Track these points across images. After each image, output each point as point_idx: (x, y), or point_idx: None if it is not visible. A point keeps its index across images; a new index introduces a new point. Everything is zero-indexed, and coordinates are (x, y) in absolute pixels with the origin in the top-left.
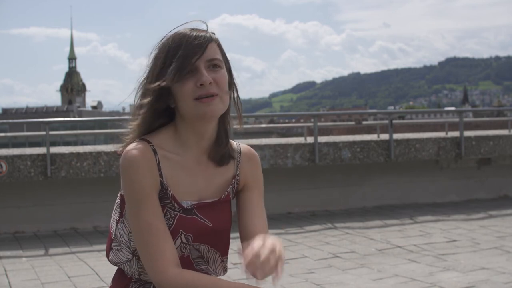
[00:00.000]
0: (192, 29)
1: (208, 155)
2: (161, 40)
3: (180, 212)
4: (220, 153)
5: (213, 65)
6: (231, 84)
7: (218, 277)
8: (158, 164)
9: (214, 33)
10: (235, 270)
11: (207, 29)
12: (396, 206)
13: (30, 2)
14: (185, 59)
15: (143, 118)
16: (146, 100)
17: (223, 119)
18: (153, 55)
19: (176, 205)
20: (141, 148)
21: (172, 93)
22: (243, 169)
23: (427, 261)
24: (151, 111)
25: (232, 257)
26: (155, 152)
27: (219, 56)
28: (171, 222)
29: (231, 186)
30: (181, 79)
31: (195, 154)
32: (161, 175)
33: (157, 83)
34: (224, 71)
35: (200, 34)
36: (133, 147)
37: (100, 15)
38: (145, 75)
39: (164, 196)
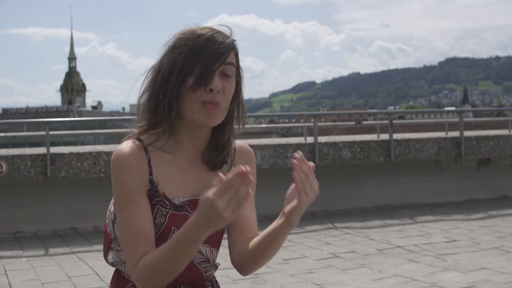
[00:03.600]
0: (217, 32)
1: (202, 157)
2: (182, 33)
3: (172, 209)
4: (215, 160)
5: (225, 73)
6: (237, 95)
7: None
8: (149, 162)
9: (235, 40)
10: (235, 270)
11: (231, 34)
12: (396, 206)
13: (28, 2)
14: (207, 67)
15: (156, 123)
16: (167, 107)
17: (223, 126)
18: (171, 42)
19: (167, 203)
20: (131, 147)
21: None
22: (237, 166)
23: (427, 261)
24: (166, 116)
25: None
26: (146, 150)
27: (233, 61)
28: (163, 220)
29: None
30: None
31: (189, 154)
32: (151, 173)
33: (176, 94)
34: (233, 81)
35: (225, 40)
36: (123, 145)
37: (99, 15)
38: (160, 65)
39: (155, 194)
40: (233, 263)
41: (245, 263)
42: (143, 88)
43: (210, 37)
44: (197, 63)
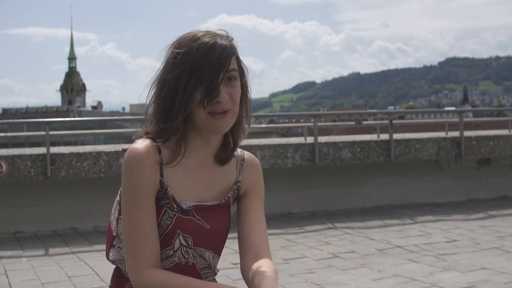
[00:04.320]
0: (216, 38)
1: (213, 158)
2: (180, 46)
3: (179, 212)
4: (224, 156)
5: (229, 78)
6: (244, 95)
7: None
8: (161, 163)
9: (233, 39)
10: (235, 270)
11: (228, 37)
12: (396, 206)
13: (28, 2)
14: (212, 81)
15: (165, 131)
16: (177, 123)
17: (233, 127)
18: (170, 55)
19: (175, 206)
20: (146, 146)
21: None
22: (245, 176)
23: (427, 261)
24: (178, 130)
25: (232, 257)
26: (159, 151)
27: (235, 66)
28: (169, 222)
29: (231, 192)
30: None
31: (200, 157)
32: (162, 175)
33: (183, 110)
34: (238, 84)
35: (224, 46)
36: (138, 144)
37: (98, 15)
38: (163, 81)
39: (163, 196)
40: (242, 275)
41: (248, 284)
42: (149, 100)
43: (210, 47)
44: (201, 78)
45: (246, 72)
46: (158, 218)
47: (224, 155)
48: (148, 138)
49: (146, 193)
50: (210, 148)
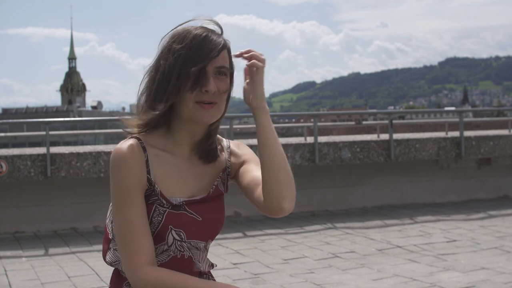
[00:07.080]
0: (210, 32)
1: (197, 152)
2: (176, 34)
3: (169, 208)
4: (207, 149)
5: (219, 72)
6: (229, 94)
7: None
8: (147, 161)
9: (227, 38)
10: (235, 270)
11: (222, 33)
12: (396, 206)
13: (27, 2)
14: (202, 69)
15: (151, 120)
16: (164, 106)
17: (216, 122)
18: (166, 43)
19: (164, 202)
20: (130, 145)
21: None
22: (233, 158)
23: (427, 261)
24: (161, 115)
25: (232, 256)
26: (144, 149)
27: (227, 64)
28: (160, 219)
29: (218, 179)
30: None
31: (186, 152)
32: (148, 172)
33: (174, 95)
34: (227, 80)
35: (218, 40)
36: (122, 144)
37: (97, 15)
38: (157, 66)
39: (152, 193)
40: (268, 208)
41: (273, 192)
42: (141, 89)
43: (204, 38)
44: (193, 65)
45: (233, 67)
46: (149, 215)
47: (206, 148)
48: (133, 137)
49: (134, 192)
50: (195, 141)
